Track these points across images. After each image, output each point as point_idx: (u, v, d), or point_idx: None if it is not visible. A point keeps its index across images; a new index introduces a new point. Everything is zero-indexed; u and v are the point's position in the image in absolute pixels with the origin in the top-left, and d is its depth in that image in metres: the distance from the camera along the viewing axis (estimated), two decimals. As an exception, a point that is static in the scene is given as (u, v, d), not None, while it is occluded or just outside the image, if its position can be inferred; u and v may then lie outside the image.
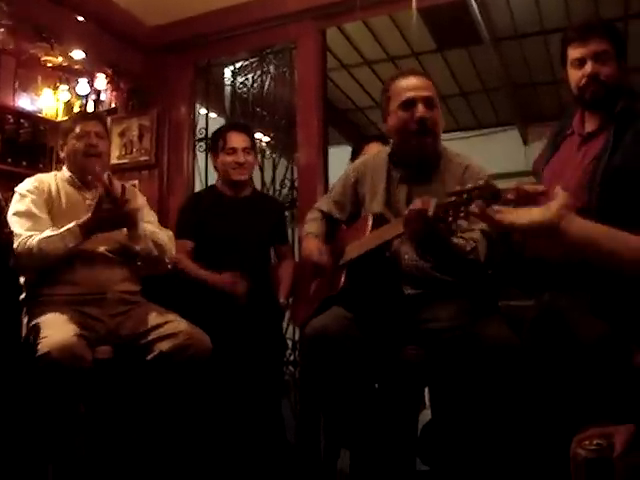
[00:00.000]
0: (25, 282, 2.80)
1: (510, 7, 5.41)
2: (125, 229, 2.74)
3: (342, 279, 2.34)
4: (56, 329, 2.42)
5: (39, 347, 2.34)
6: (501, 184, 1.88)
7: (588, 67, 2.25)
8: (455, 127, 8.54)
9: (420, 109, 2.36)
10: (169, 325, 2.66)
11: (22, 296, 2.80)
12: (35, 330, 2.49)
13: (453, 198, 1.79)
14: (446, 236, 2.07)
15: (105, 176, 2.60)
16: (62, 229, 2.62)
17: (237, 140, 3.38)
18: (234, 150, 3.36)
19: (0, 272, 2.64)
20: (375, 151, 3.21)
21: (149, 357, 2.61)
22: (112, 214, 2.60)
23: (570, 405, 2.10)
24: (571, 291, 2.18)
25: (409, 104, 2.38)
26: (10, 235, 2.63)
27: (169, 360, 2.58)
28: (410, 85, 2.42)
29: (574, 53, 2.30)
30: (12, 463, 2.41)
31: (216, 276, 3.16)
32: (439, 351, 2.22)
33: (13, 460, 2.42)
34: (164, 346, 2.59)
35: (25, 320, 2.68)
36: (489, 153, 7.34)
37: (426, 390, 2.72)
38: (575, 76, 2.31)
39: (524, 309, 2.46)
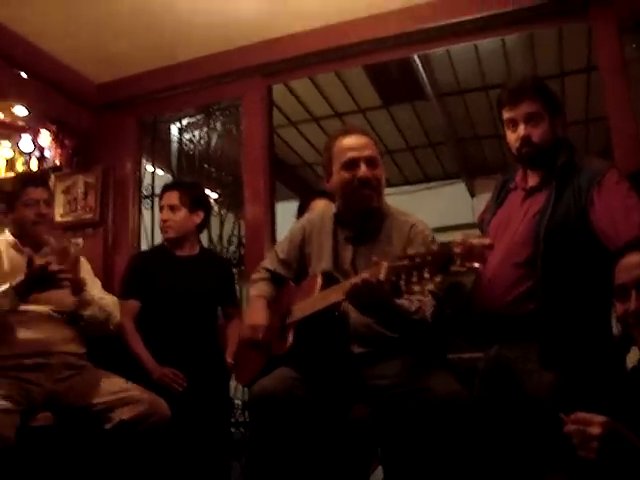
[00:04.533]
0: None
1: (453, 64, 5.55)
2: (74, 294, 2.70)
3: (290, 338, 2.29)
4: None
5: None
6: (448, 236, 1.89)
7: (520, 130, 2.31)
8: (402, 181, 8.68)
9: (362, 169, 2.35)
10: (128, 393, 2.63)
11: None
12: None
13: (406, 262, 1.79)
14: (389, 299, 2.05)
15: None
16: None
17: (164, 198, 3.39)
18: (162, 208, 3.38)
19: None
20: (321, 206, 3.22)
21: (108, 426, 2.56)
22: (46, 273, 2.54)
23: (523, 458, 2.09)
24: (519, 342, 2.19)
25: (351, 164, 2.37)
26: None
27: (130, 429, 2.54)
28: (351, 145, 2.40)
29: (507, 115, 2.36)
30: None
31: (155, 367, 3.06)
32: (386, 408, 2.19)
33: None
34: (125, 414, 2.55)
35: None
36: (437, 206, 7.51)
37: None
38: (510, 137, 2.37)
39: (475, 361, 2.45)
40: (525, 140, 2.29)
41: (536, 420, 2.04)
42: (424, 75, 5.50)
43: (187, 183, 3.71)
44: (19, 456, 2.37)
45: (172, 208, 3.33)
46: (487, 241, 1.81)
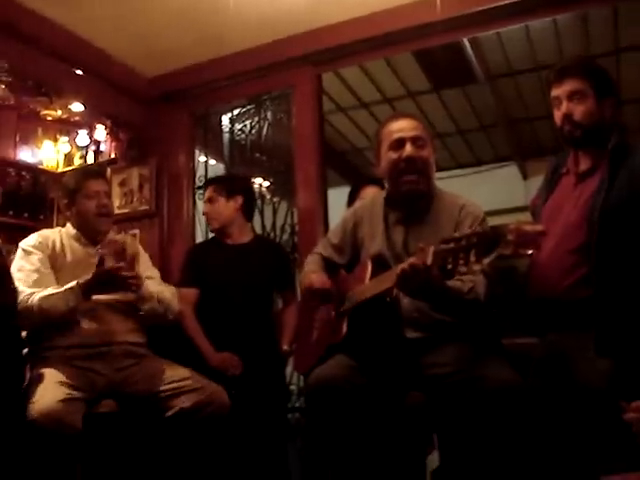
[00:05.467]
0: (27, 335, 2.79)
1: (503, 45, 5.47)
2: (132, 292, 2.74)
3: (344, 327, 2.31)
4: (45, 393, 2.41)
5: (29, 412, 2.34)
6: (501, 220, 1.89)
7: (563, 107, 2.28)
8: (454, 165, 8.59)
9: (408, 149, 2.38)
10: (188, 381, 2.66)
11: (25, 350, 2.78)
12: (30, 390, 2.47)
13: (451, 245, 1.78)
14: (440, 282, 2.07)
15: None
16: (63, 288, 2.62)
17: (205, 195, 3.56)
18: (205, 202, 3.53)
19: (5, 328, 2.63)
20: (371, 194, 3.24)
21: (169, 413, 2.60)
22: (113, 277, 2.60)
23: (579, 448, 2.08)
24: (574, 329, 2.17)
25: (397, 144, 2.41)
26: (15, 291, 2.63)
27: (190, 417, 2.58)
28: (399, 127, 2.45)
29: (553, 93, 2.34)
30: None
31: (213, 354, 3.15)
32: (442, 396, 2.20)
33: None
34: (185, 403, 2.59)
35: (28, 375, 2.66)
36: (488, 190, 7.41)
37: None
38: (556, 116, 2.34)
39: (530, 347, 2.44)
40: (566, 117, 2.27)
41: (592, 408, 2.01)
42: (474, 58, 5.44)
43: (219, 176, 3.88)
44: (85, 442, 2.43)
45: (210, 201, 3.45)
46: (540, 228, 1.80)
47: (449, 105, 6.90)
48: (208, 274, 3.32)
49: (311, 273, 2.59)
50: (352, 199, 3.59)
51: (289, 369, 3.43)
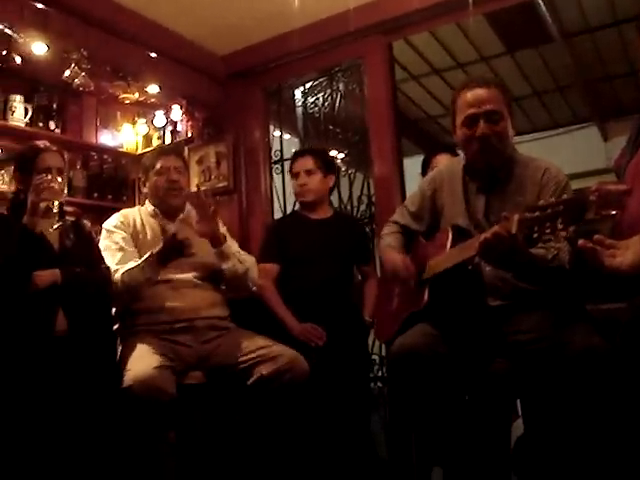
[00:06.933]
0: (116, 312, 2.91)
1: (579, 1, 5.28)
2: (214, 247, 2.84)
3: (425, 295, 2.32)
4: (139, 362, 2.51)
5: (124, 380, 2.44)
6: (582, 183, 1.85)
7: None
8: (530, 129, 8.38)
9: (481, 127, 2.30)
10: (268, 349, 2.72)
11: (115, 326, 2.91)
12: (122, 361, 2.59)
13: (537, 213, 1.75)
14: (523, 251, 2.04)
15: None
16: (140, 260, 2.75)
17: (298, 164, 3.48)
18: (297, 174, 3.46)
19: (100, 305, 2.75)
20: (444, 162, 3.22)
21: (250, 381, 2.67)
22: (176, 242, 2.69)
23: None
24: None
25: (471, 122, 2.33)
26: (108, 270, 2.76)
27: (269, 384, 2.64)
28: (471, 101, 2.34)
29: None
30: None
31: (296, 324, 3.18)
32: (526, 363, 2.18)
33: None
34: (264, 370, 2.65)
35: (119, 349, 2.78)
36: (568, 152, 7.21)
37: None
38: None
39: (616, 312, 2.38)
40: None
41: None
42: (548, 16, 5.27)
43: (318, 149, 3.79)
44: (175, 412, 2.51)
45: (308, 172, 3.43)
46: (623, 187, 1.76)
47: (524, 67, 6.71)
48: (290, 248, 3.36)
49: (394, 253, 2.57)
50: (425, 168, 3.59)
51: (371, 339, 3.45)
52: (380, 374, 3.89)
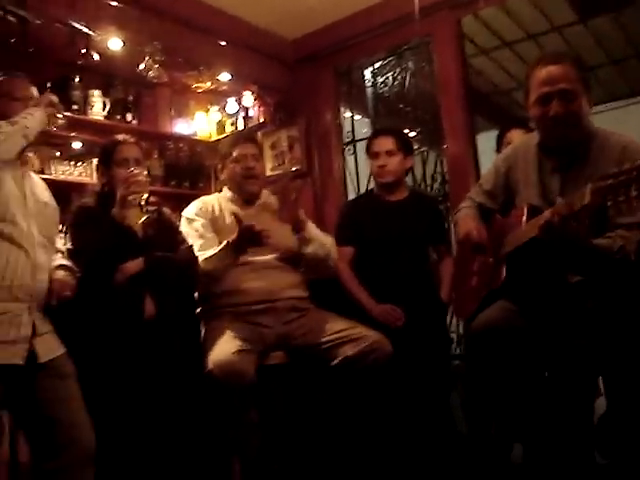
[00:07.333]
0: (199, 295, 2.99)
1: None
2: (295, 232, 2.88)
3: (503, 272, 2.30)
4: (220, 346, 2.58)
5: (206, 364, 2.52)
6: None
7: None
8: (606, 98, 8.10)
9: (554, 107, 2.22)
10: (352, 330, 2.74)
11: (198, 310, 2.99)
12: (205, 344, 2.67)
13: (610, 181, 1.71)
14: (585, 238, 1.99)
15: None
16: (218, 248, 2.80)
17: (378, 144, 3.43)
18: (377, 154, 3.42)
19: (185, 287, 2.84)
20: (516, 137, 3.17)
21: (334, 362, 2.69)
22: (252, 232, 2.71)
23: None
24: None
25: (544, 101, 2.26)
26: (190, 248, 2.84)
27: (354, 365, 2.66)
28: (544, 78, 2.26)
29: None
30: (196, 462, 2.60)
31: (374, 305, 3.19)
32: (607, 340, 2.12)
33: (197, 459, 2.60)
34: (350, 351, 2.67)
35: (202, 332, 2.87)
36: (646, 120, 6.95)
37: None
38: None
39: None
40: None
41: None
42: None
43: (397, 129, 3.74)
44: (258, 392, 2.57)
45: (389, 153, 3.39)
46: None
47: (598, 35, 6.50)
48: (366, 231, 3.35)
49: (469, 219, 2.56)
50: (499, 144, 3.53)
51: (448, 317, 3.45)
52: (458, 352, 3.89)
